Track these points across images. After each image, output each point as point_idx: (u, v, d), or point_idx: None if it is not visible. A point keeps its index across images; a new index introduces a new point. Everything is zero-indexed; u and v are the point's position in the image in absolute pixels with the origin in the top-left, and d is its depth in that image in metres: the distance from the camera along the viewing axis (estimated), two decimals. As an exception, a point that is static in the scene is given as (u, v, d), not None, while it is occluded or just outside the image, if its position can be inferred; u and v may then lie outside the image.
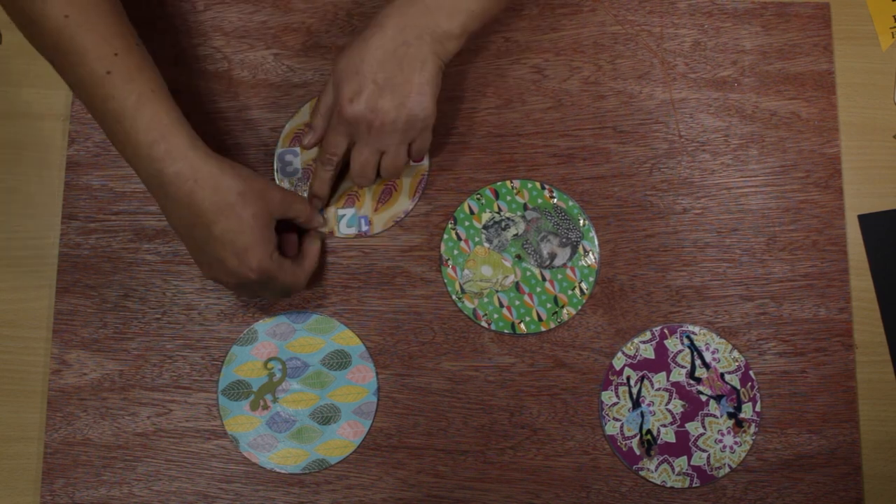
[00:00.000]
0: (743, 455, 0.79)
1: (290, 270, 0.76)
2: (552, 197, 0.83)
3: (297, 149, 0.83)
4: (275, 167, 0.83)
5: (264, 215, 0.72)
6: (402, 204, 0.82)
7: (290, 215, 0.77)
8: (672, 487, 0.79)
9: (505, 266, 0.82)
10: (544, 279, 0.81)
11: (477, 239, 0.82)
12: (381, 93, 0.72)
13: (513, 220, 0.82)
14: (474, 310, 0.81)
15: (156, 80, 0.70)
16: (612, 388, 0.80)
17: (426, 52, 0.71)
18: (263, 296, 0.79)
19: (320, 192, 0.80)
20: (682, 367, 0.80)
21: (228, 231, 0.70)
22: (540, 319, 0.81)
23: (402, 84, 0.71)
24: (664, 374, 0.80)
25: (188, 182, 0.69)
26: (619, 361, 0.81)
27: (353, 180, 0.78)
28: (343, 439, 0.80)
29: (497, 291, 0.81)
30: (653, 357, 0.81)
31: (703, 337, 0.81)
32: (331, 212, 0.82)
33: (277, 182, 0.83)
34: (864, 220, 0.83)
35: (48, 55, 0.70)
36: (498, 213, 0.82)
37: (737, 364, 0.80)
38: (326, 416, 0.80)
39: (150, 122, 0.69)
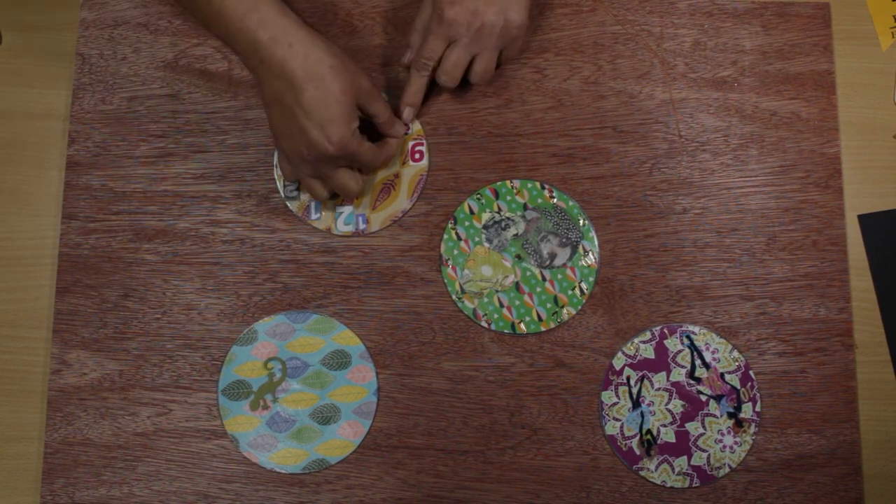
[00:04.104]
0: (743, 455, 0.79)
1: (369, 149, 0.77)
2: (552, 197, 0.83)
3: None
4: (275, 166, 0.83)
5: (350, 93, 0.74)
6: (401, 203, 0.82)
7: (371, 111, 0.78)
8: (672, 487, 0.79)
9: (505, 266, 0.82)
10: (544, 279, 0.81)
11: (477, 239, 0.82)
12: None
13: (513, 220, 0.82)
14: (474, 310, 0.81)
15: None
16: (612, 388, 0.80)
17: None
18: (332, 180, 0.78)
19: (414, 101, 0.82)
20: (682, 366, 0.80)
21: (316, 100, 0.72)
22: (540, 319, 0.81)
23: None
24: (664, 373, 0.80)
25: (283, 47, 0.71)
26: (619, 361, 0.81)
27: (439, 79, 0.80)
28: (343, 439, 0.80)
29: (497, 291, 0.81)
30: (653, 357, 0.81)
31: (703, 337, 0.81)
32: (328, 209, 0.83)
33: (276, 180, 0.83)
34: (864, 220, 0.83)
35: None
36: (498, 213, 0.82)
37: (737, 364, 0.80)
38: (326, 416, 0.80)
39: None
